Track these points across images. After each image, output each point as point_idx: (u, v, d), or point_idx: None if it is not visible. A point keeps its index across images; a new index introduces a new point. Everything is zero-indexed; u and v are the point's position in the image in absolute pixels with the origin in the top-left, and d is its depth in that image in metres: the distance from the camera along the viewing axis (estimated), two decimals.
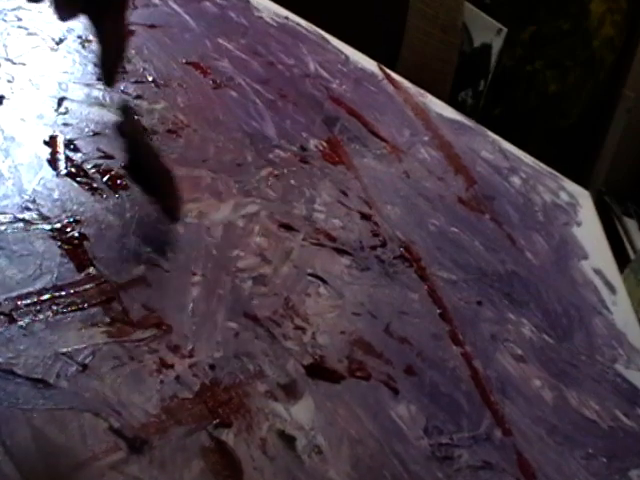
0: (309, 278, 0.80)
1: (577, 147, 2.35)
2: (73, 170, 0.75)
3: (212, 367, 0.64)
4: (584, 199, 1.34)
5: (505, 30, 1.95)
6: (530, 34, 2.10)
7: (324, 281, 0.81)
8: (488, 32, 1.94)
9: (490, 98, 2.08)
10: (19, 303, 0.60)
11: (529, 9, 2.08)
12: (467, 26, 1.91)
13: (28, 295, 0.61)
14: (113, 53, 0.75)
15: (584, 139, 2.35)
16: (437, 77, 1.84)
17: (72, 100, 0.83)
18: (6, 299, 0.60)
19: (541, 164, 1.37)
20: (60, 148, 0.77)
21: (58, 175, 0.73)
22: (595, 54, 2.20)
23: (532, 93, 2.19)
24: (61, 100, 0.83)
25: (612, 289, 1.13)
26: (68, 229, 0.68)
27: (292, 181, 0.92)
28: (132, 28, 1.00)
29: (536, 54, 2.13)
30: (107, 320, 0.63)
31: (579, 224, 1.26)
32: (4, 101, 0.79)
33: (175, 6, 1.10)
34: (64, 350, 0.59)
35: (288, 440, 0.63)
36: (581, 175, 2.26)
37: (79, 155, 0.77)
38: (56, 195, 0.71)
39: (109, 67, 0.76)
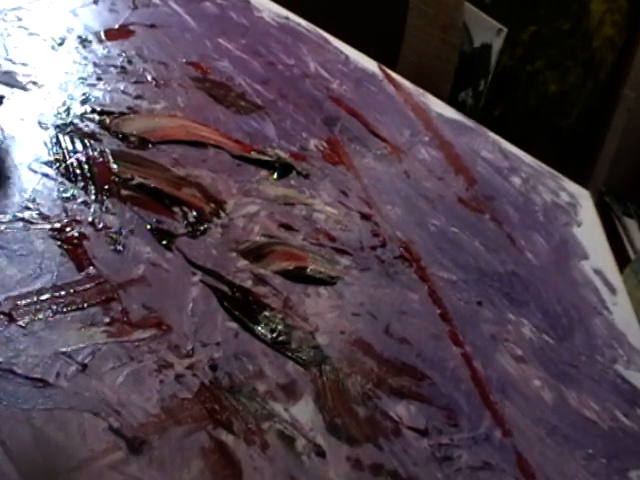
0: None
1: (577, 147, 2.35)
2: (73, 170, 0.75)
3: (212, 367, 0.64)
4: (584, 199, 1.34)
5: (505, 30, 1.95)
6: (530, 34, 2.09)
7: None
8: (488, 32, 1.94)
9: (490, 98, 2.08)
10: (19, 303, 0.60)
11: (529, 9, 2.08)
12: (467, 26, 1.91)
13: (28, 295, 0.61)
14: None
15: (584, 139, 2.35)
16: (437, 77, 1.84)
17: (72, 100, 0.83)
18: (6, 298, 0.60)
19: (541, 164, 1.37)
20: (60, 148, 0.77)
21: (58, 175, 0.73)
22: (595, 54, 2.20)
23: (532, 93, 2.19)
24: (61, 100, 0.83)
25: (612, 289, 1.13)
26: (68, 229, 0.68)
27: (292, 181, 0.91)
28: (132, 28, 1.00)
29: (536, 54, 2.13)
30: (107, 320, 0.63)
31: (579, 224, 1.25)
32: (4, 101, 0.79)
33: (175, 6, 1.10)
34: (64, 350, 0.59)
35: (288, 440, 0.63)
36: (581, 175, 2.25)
37: (79, 155, 0.77)
38: (56, 195, 0.71)
39: None
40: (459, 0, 1.84)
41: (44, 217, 0.68)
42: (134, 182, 0.77)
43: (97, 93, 0.86)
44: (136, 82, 0.91)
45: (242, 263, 0.76)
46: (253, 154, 0.91)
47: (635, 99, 2.27)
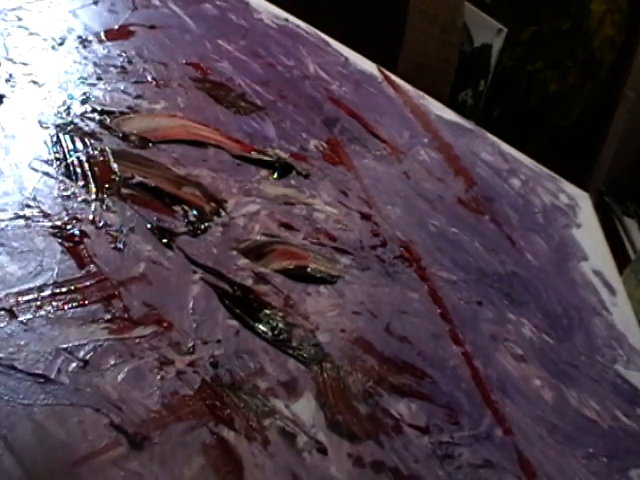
0: None
1: (577, 147, 2.35)
2: (73, 169, 0.75)
3: (213, 364, 0.64)
4: (583, 201, 1.34)
5: (505, 30, 1.95)
6: (530, 34, 2.10)
7: None
8: (488, 32, 1.94)
9: (490, 98, 2.08)
10: (20, 299, 0.60)
11: (529, 9, 2.09)
12: (467, 26, 1.91)
13: (29, 291, 0.61)
14: None
15: (584, 139, 2.35)
16: (437, 77, 1.84)
17: (73, 99, 0.83)
18: (7, 295, 0.60)
19: (540, 166, 1.37)
20: (61, 147, 0.77)
21: (59, 173, 0.73)
22: (595, 54, 2.20)
23: (532, 93, 2.19)
24: (62, 99, 0.83)
25: (612, 290, 1.13)
26: (69, 226, 0.68)
27: (292, 181, 0.92)
28: (132, 29, 1.00)
29: (536, 54, 2.13)
30: (108, 317, 0.63)
31: (578, 226, 1.26)
32: (5, 100, 0.79)
33: (175, 7, 1.10)
34: (65, 346, 0.59)
35: (289, 437, 0.63)
36: (581, 175, 2.26)
37: (79, 154, 0.77)
38: (56, 193, 0.71)
39: None
40: (459, 0, 1.85)
41: (45, 215, 0.68)
42: (134, 181, 0.77)
43: (97, 93, 0.86)
44: (136, 82, 0.91)
45: (243, 262, 0.76)
46: (253, 154, 0.91)
47: (635, 99, 2.28)
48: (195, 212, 0.78)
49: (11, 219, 0.66)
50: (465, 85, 1.99)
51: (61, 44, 0.90)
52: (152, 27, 1.03)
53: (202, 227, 0.77)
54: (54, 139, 0.77)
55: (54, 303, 0.61)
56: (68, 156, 0.76)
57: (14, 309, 0.59)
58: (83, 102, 0.84)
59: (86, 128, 0.81)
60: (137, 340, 0.62)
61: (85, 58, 0.90)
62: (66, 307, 0.61)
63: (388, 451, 0.67)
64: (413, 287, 0.88)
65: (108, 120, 0.83)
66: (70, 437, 0.54)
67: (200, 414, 0.60)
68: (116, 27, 0.98)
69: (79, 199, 0.72)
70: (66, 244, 0.67)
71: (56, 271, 0.64)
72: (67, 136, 0.78)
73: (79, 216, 0.70)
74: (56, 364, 0.57)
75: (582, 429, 0.84)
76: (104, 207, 0.73)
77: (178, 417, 0.59)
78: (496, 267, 1.01)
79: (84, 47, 0.92)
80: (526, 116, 2.23)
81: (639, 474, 0.83)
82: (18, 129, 0.76)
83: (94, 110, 0.83)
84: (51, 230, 0.67)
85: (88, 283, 0.64)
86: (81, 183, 0.74)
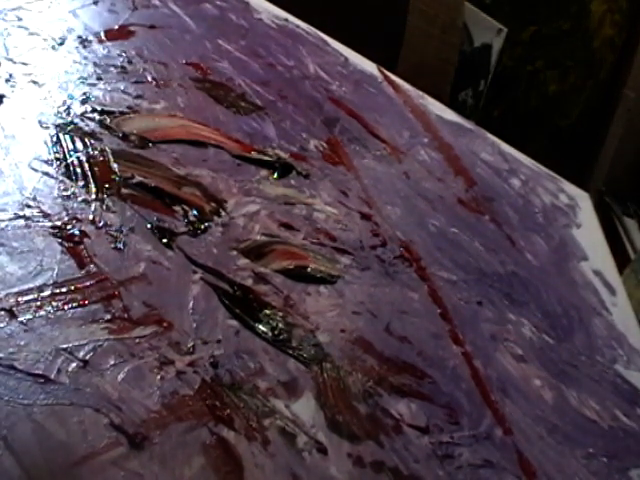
0: None
1: (577, 147, 2.35)
2: (73, 169, 0.75)
3: (213, 364, 0.64)
4: (583, 201, 1.34)
5: (505, 30, 1.95)
6: (530, 34, 2.10)
7: None
8: (488, 32, 1.95)
9: (490, 98, 2.08)
10: (20, 299, 0.60)
11: (529, 9, 2.09)
12: (467, 26, 1.91)
13: (29, 291, 0.61)
14: None
15: (584, 139, 2.36)
16: (437, 77, 1.84)
17: (73, 99, 0.83)
18: (7, 295, 0.60)
19: (540, 166, 1.37)
20: (61, 147, 0.77)
21: (58, 173, 0.73)
22: (595, 54, 2.20)
23: (532, 93, 2.19)
24: (62, 99, 0.83)
25: (612, 290, 1.13)
26: (69, 227, 0.68)
27: (292, 181, 0.92)
28: (132, 29, 1.00)
29: (536, 54, 2.14)
30: (108, 317, 0.63)
31: (579, 226, 1.25)
32: (5, 100, 0.79)
33: (175, 7, 1.10)
34: (65, 346, 0.59)
35: (289, 437, 0.63)
36: (581, 175, 2.26)
37: (79, 154, 0.77)
38: (56, 193, 0.71)
39: None
40: (459, 0, 1.85)
41: (45, 215, 0.68)
42: (134, 181, 0.77)
43: (97, 93, 0.86)
44: (136, 82, 0.91)
45: (243, 262, 0.76)
46: (253, 154, 0.91)
47: (635, 99, 2.28)
48: (195, 212, 0.78)
49: (11, 219, 0.66)
50: (465, 85, 1.99)
51: (61, 44, 0.90)
52: (152, 27, 1.03)
53: (202, 227, 0.77)
54: (54, 139, 0.77)
55: (54, 303, 0.61)
56: (68, 156, 0.76)
57: (14, 309, 0.59)
58: (83, 102, 0.84)
59: (86, 128, 0.81)
60: (137, 340, 0.62)
61: (85, 58, 0.90)
62: (66, 307, 0.61)
63: (388, 451, 0.67)
64: (413, 287, 0.88)
65: (108, 120, 0.83)
66: (70, 437, 0.54)
67: (200, 414, 0.60)
68: (116, 27, 0.98)
69: (79, 199, 0.72)
70: (66, 244, 0.67)
71: (56, 271, 0.64)
72: (67, 136, 0.78)
73: (79, 216, 0.70)
74: (56, 364, 0.57)
75: (582, 429, 0.84)
76: (104, 207, 0.73)
77: (178, 417, 0.59)
78: (496, 267, 1.01)
79: (84, 47, 0.92)
80: (526, 116, 2.23)
81: (639, 474, 0.83)
82: (18, 129, 0.76)
83: (94, 110, 0.83)
84: (51, 230, 0.67)
85: (88, 283, 0.64)
86: (81, 183, 0.74)
